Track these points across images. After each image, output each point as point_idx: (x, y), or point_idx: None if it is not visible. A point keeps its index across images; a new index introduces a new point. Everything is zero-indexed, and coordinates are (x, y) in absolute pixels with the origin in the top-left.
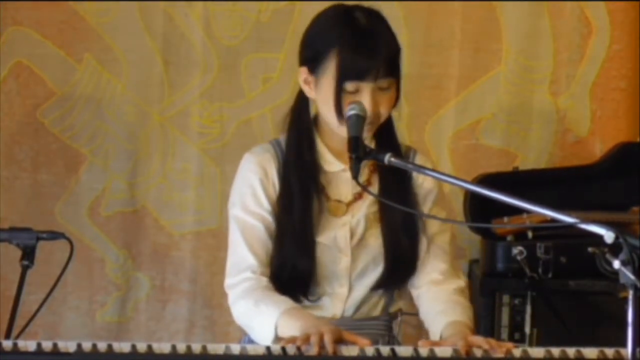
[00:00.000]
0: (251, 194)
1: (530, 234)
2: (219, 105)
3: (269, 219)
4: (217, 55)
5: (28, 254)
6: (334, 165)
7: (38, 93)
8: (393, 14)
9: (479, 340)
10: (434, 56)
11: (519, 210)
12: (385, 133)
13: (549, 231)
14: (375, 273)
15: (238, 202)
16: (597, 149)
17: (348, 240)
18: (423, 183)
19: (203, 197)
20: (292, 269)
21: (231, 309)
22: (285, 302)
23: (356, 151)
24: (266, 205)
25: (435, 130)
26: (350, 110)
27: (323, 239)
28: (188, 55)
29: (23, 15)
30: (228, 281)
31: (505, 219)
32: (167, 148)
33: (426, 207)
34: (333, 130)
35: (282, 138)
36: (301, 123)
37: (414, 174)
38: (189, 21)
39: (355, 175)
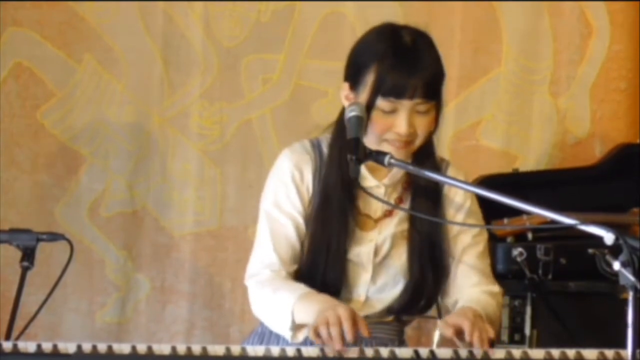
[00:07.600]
0: (284, 192)
1: (530, 236)
2: (219, 106)
3: (300, 219)
4: (217, 56)
5: (28, 255)
6: (368, 180)
7: (38, 94)
8: (393, 14)
9: (478, 324)
10: None
11: (519, 212)
12: (423, 147)
13: (549, 232)
14: (394, 291)
15: (271, 197)
16: (597, 150)
17: (371, 257)
18: (454, 197)
19: (203, 198)
20: (322, 282)
21: (250, 302)
22: (301, 287)
23: (355, 152)
24: (298, 205)
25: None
26: (350, 112)
27: (349, 255)
28: (188, 55)
29: (23, 15)
30: (248, 273)
31: (505, 220)
32: (167, 149)
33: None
34: (370, 147)
35: (323, 138)
36: (343, 139)
37: (445, 188)
38: (189, 21)
39: (355, 176)
